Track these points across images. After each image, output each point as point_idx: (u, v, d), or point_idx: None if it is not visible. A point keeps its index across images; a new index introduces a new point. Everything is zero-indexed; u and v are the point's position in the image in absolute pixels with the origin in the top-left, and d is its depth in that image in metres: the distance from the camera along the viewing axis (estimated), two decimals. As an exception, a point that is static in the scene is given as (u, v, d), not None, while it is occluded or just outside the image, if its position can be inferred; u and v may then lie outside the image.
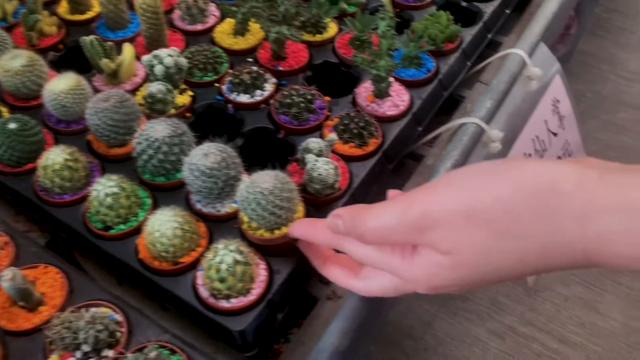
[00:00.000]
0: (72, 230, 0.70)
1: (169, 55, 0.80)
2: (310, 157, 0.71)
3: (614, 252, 0.38)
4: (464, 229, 0.41)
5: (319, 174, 0.68)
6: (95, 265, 0.74)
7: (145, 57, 0.80)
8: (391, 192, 0.56)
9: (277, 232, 0.64)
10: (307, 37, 0.93)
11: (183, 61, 0.81)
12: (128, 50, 0.83)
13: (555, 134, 0.92)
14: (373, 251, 0.48)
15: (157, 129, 0.71)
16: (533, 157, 0.86)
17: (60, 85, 0.77)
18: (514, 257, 0.41)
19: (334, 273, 0.58)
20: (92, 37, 0.82)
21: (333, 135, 0.74)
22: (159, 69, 0.79)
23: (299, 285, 0.68)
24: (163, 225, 0.64)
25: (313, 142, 0.72)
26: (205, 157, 0.66)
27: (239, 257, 0.61)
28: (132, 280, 0.70)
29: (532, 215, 0.39)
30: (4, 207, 0.80)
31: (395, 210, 0.45)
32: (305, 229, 0.61)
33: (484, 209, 0.40)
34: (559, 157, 0.93)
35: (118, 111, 0.73)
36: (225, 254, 0.61)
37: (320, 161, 0.69)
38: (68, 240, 0.73)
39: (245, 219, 0.64)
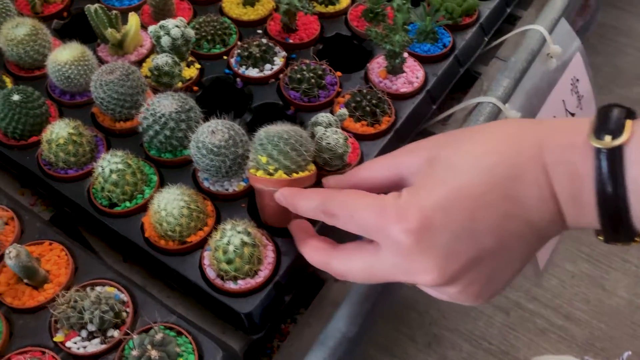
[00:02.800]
0: (77, 206, 0.69)
1: (175, 26, 0.77)
2: (318, 129, 0.68)
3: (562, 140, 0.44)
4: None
5: (328, 143, 0.66)
6: (100, 240, 0.73)
7: (152, 28, 0.77)
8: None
9: (294, 175, 0.60)
10: (319, 8, 0.90)
11: (190, 32, 0.78)
12: (134, 19, 0.80)
13: (572, 114, 0.89)
14: (363, 194, 0.50)
15: (164, 104, 0.69)
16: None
17: (64, 56, 0.75)
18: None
19: (311, 247, 0.56)
20: (96, 5, 0.79)
21: (343, 110, 0.72)
22: (165, 40, 0.77)
23: (306, 268, 0.67)
24: (169, 204, 0.63)
25: (322, 116, 0.70)
26: (213, 134, 0.64)
27: (246, 239, 0.60)
28: (137, 258, 0.69)
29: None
30: (8, 181, 0.79)
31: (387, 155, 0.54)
32: (293, 191, 0.58)
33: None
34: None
35: (124, 84, 0.71)
36: (232, 235, 0.60)
37: (329, 131, 0.67)
38: (73, 215, 0.72)
39: (264, 159, 0.60)
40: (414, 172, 0.49)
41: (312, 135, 0.70)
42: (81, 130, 0.70)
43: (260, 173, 0.61)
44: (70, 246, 0.65)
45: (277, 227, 0.66)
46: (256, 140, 0.62)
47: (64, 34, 0.88)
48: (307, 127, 0.72)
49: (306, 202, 0.54)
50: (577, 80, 0.90)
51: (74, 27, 0.90)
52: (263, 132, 0.62)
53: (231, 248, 0.60)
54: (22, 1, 0.90)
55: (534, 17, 1.06)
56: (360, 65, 0.84)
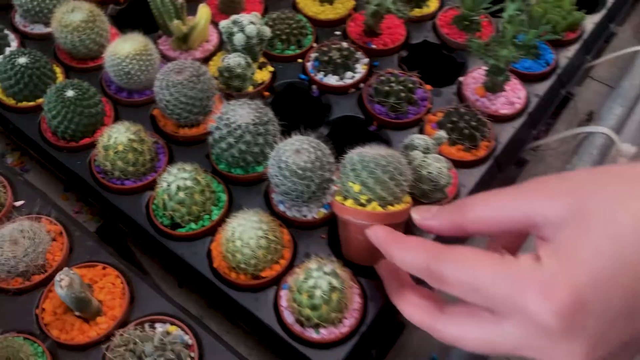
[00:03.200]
0: (134, 224, 0.60)
1: (251, 22, 0.68)
2: (416, 154, 0.59)
3: None
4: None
5: (429, 172, 0.57)
6: (151, 259, 0.65)
7: (224, 23, 0.68)
8: None
9: (390, 208, 0.51)
10: (405, 11, 0.80)
11: (267, 31, 0.69)
12: (204, 12, 0.71)
13: (679, 148, 0.79)
14: (485, 255, 0.39)
15: (240, 114, 0.60)
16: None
17: (125, 49, 0.66)
18: None
19: (411, 303, 0.45)
20: (163, -7, 0.70)
21: (442, 133, 0.62)
22: (239, 38, 0.68)
23: (395, 315, 0.58)
24: (246, 233, 0.54)
25: (419, 138, 0.61)
26: (298, 154, 0.55)
27: (335, 282, 0.51)
28: (198, 288, 0.60)
29: None
30: (50, 182, 0.70)
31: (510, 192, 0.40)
32: (389, 236, 0.47)
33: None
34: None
35: (193, 87, 0.62)
36: (319, 277, 0.51)
37: (431, 158, 0.58)
38: (126, 231, 0.64)
39: (356, 187, 0.51)
40: (555, 223, 0.39)
41: (408, 161, 0.61)
42: (142, 137, 0.61)
43: (349, 203, 0.52)
44: (126, 271, 0.57)
45: (363, 265, 0.57)
46: (347, 165, 0.53)
47: (119, 21, 0.79)
48: (398, 149, 0.63)
49: (407, 256, 0.43)
50: (686, 110, 0.80)
51: (131, 13, 0.82)
52: (356, 156, 0.53)
53: (318, 293, 0.51)
54: (76, -18, 0.81)
55: (629, 34, 0.96)
56: (449, 79, 0.75)
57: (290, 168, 0.55)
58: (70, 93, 0.63)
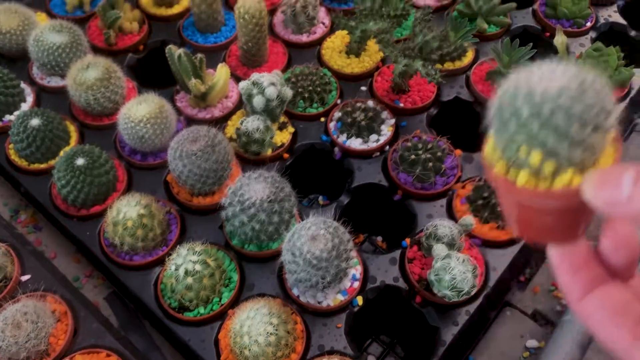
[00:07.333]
0: (141, 303, 0.58)
1: (271, 83, 0.65)
2: (439, 249, 0.55)
3: None
4: None
5: (452, 278, 0.53)
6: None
7: (243, 85, 0.65)
8: None
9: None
10: (436, 66, 0.75)
11: (288, 93, 0.65)
12: (223, 72, 0.68)
13: None
14: None
15: (255, 189, 0.56)
16: None
17: (139, 112, 0.63)
18: None
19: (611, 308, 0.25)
20: (181, 50, 0.67)
21: (469, 219, 0.58)
22: (258, 101, 0.64)
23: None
24: (254, 328, 0.50)
25: (443, 227, 0.56)
26: (314, 241, 0.52)
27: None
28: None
29: None
30: (65, 243, 0.68)
31: None
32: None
33: None
34: None
35: (208, 158, 0.59)
36: (332, 384, 0.48)
37: (454, 259, 0.53)
38: (135, 309, 0.61)
39: (535, 157, 0.25)
40: None
41: (428, 249, 0.57)
42: (153, 210, 0.59)
43: (523, 177, 0.26)
44: (131, 359, 0.54)
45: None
46: (507, 114, 0.25)
47: (138, 72, 0.77)
48: (424, 235, 0.58)
49: None
50: None
51: (150, 63, 0.79)
52: (522, 99, 0.25)
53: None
54: (95, 28, 0.79)
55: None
56: (482, 141, 0.70)
57: (305, 257, 0.51)
58: (80, 161, 0.60)
